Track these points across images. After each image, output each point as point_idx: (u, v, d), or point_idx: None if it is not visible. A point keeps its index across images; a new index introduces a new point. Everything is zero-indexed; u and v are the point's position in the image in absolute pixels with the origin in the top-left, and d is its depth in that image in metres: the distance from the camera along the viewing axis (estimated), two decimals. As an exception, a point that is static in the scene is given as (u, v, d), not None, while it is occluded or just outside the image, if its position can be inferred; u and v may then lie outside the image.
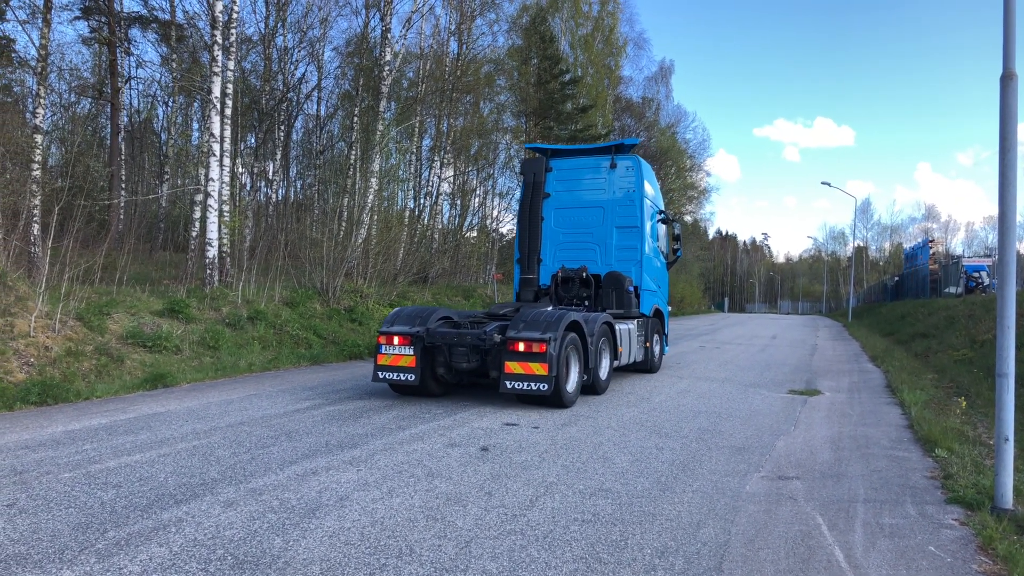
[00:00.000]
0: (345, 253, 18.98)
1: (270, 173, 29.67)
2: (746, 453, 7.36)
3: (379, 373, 9.73)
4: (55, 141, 26.23)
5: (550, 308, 11.00)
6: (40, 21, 19.40)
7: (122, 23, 27.01)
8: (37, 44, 19.29)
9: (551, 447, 7.30)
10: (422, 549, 4.41)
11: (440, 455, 6.75)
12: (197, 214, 18.50)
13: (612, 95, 45.91)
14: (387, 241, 21.85)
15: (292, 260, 20.32)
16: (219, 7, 16.87)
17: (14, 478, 5.73)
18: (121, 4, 27.54)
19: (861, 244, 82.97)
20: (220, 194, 16.81)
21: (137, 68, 29.30)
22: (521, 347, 9.01)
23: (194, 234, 18.33)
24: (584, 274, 12.86)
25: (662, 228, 14.63)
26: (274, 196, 29.86)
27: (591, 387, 10.45)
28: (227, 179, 17.49)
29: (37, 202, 16.30)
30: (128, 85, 29.72)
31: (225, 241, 17.29)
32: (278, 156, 29.62)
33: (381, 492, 5.57)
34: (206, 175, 16.93)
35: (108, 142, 26.80)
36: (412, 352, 9.62)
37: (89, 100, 29.10)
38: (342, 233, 21.00)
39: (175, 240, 25.90)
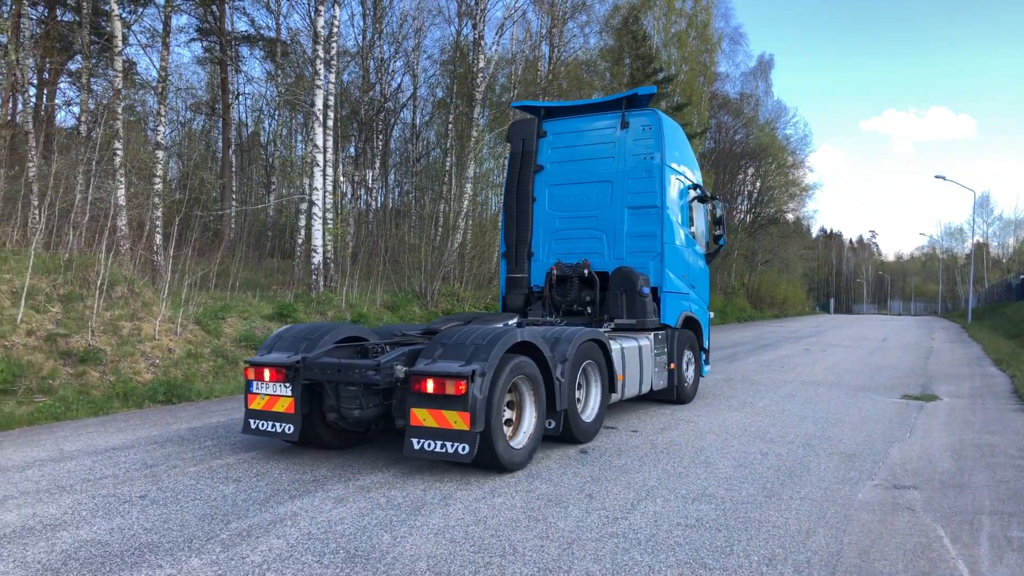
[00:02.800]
0: (442, 258, 19.38)
1: (369, 181, 30.63)
2: (857, 460, 7.05)
3: (250, 421, 6.65)
4: (173, 156, 27.97)
5: (511, 322, 8.21)
6: (159, 45, 20.76)
7: (232, 43, 28.53)
8: (157, 66, 20.66)
9: (651, 451, 7.23)
10: (525, 549, 4.46)
11: (539, 457, 6.80)
12: (302, 222, 19.31)
13: (707, 92, 44.91)
14: (482, 245, 22.17)
15: (392, 265, 20.92)
16: (320, 23, 17.58)
17: (145, 471, 6.16)
18: (232, 24, 29.12)
19: (981, 240, 77.85)
20: (324, 202, 17.50)
21: (246, 84, 30.92)
22: (430, 386, 5.76)
23: (299, 241, 19.14)
24: (586, 271, 9.68)
25: (697, 209, 10.87)
26: (373, 203, 30.79)
27: (565, 435, 7.13)
28: (330, 188, 18.19)
29: (159, 214, 17.43)
30: (237, 101, 31.38)
31: (329, 247, 17.98)
32: (377, 164, 30.53)
33: (483, 491, 5.67)
34: (310, 184, 17.66)
35: (220, 155, 28.39)
36: (290, 392, 6.44)
37: (203, 116, 30.91)
38: (439, 238, 21.47)
39: (282, 247, 27.11)
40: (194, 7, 25.38)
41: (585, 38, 33.14)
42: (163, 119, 19.76)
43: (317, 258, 17.11)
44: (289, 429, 6.44)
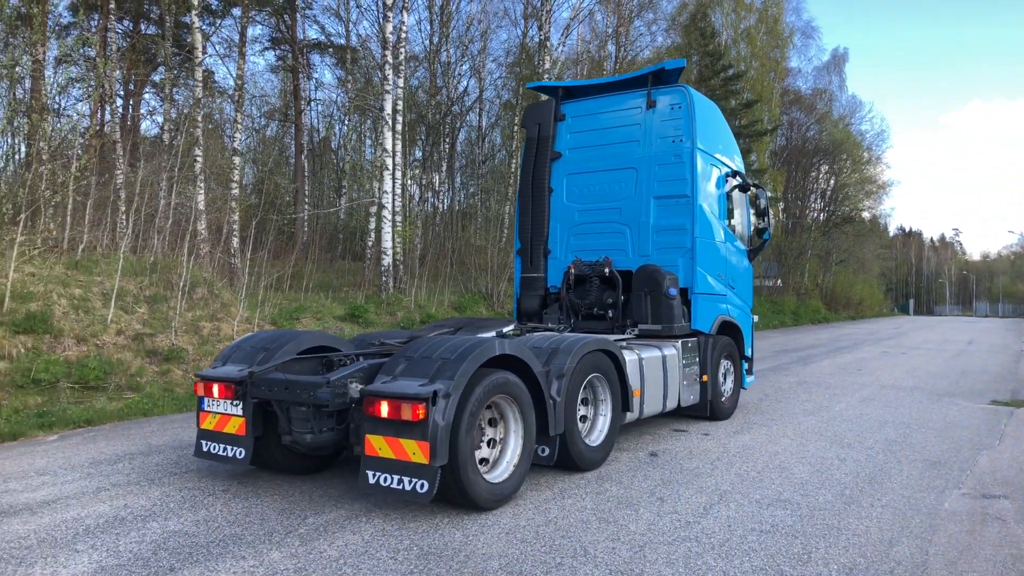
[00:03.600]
0: (508, 259, 19.46)
1: (436, 184, 31.03)
2: (942, 468, 6.76)
3: (202, 443, 5.81)
4: (249, 162, 28.93)
5: (507, 329, 7.64)
6: (236, 54, 21.53)
7: (304, 50, 29.33)
8: (234, 75, 21.41)
9: (723, 455, 7.10)
10: (596, 551, 4.45)
11: (609, 459, 6.76)
12: (372, 225, 19.70)
13: (779, 88, 43.80)
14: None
15: (458, 266, 21.14)
16: (389, 28, 17.91)
17: (226, 467, 6.38)
18: (303, 32, 29.93)
19: (1075, 237, 73.47)
20: (393, 205, 17.82)
21: (316, 90, 31.71)
22: (384, 409, 4.80)
23: (370, 243, 19.55)
24: (606, 270, 8.61)
25: (739, 200, 9.63)
26: (440, 206, 31.18)
27: (563, 462, 6.10)
28: (399, 191, 18.52)
29: (236, 218, 18.06)
30: (309, 107, 32.23)
31: (398, 249, 18.30)
32: (443, 167, 30.90)
33: (553, 493, 5.67)
34: (380, 188, 18.01)
35: (292, 160, 29.20)
36: (240, 412, 5.59)
37: (276, 123, 31.87)
38: (504, 239, 21.55)
39: (353, 249, 27.72)
40: (267, 17, 26.22)
41: (652, 36, 32.83)
42: (239, 126, 20.46)
43: (387, 260, 17.44)
44: (240, 453, 5.58)
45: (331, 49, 30.97)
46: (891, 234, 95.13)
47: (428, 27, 30.93)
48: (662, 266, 8.32)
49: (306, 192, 28.35)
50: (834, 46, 54.60)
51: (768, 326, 31.49)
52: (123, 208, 14.90)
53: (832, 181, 52.09)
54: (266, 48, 30.01)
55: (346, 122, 34.42)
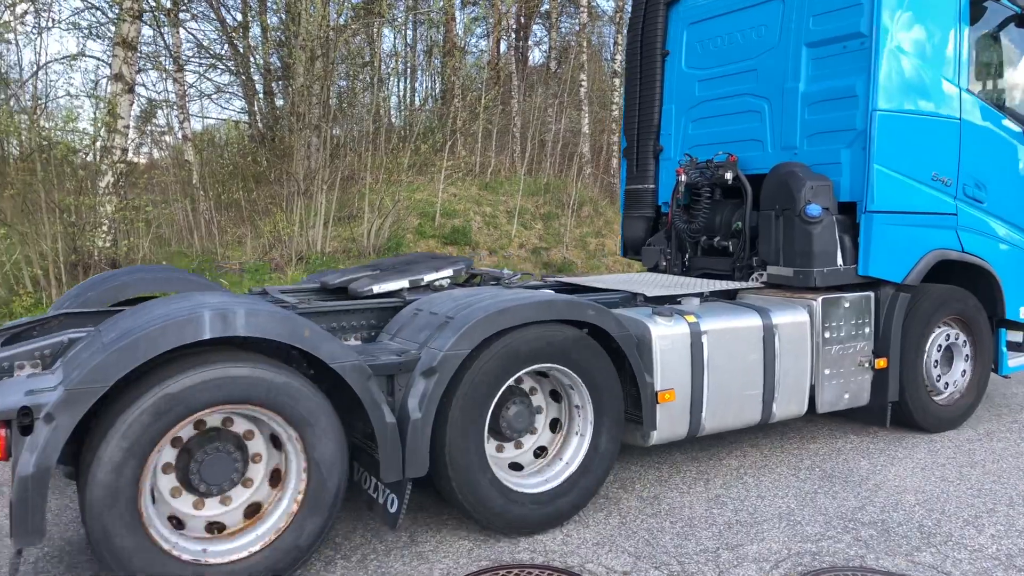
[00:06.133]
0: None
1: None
2: None
3: None
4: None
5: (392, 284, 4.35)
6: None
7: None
8: (613, -2, 21.89)
9: None
10: (1038, 502, 3.93)
11: (1046, 404, 5.83)
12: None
13: None
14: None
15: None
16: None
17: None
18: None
19: None
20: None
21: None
22: None
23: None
24: (729, 174, 5.37)
25: (1014, 41, 5.65)
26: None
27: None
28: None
29: (616, 139, 18.80)
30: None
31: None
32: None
33: (977, 433, 5.11)
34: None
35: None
36: None
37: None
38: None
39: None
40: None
41: None
42: (620, 47, 21.00)
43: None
44: None
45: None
46: None
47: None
48: (814, 165, 5.04)
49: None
50: None
51: None
52: (518, 134, 16.48)
53: None
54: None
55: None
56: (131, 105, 9.78)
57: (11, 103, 9.88)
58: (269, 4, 14.29)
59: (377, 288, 4.17)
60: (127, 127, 9.48)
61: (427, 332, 3.43)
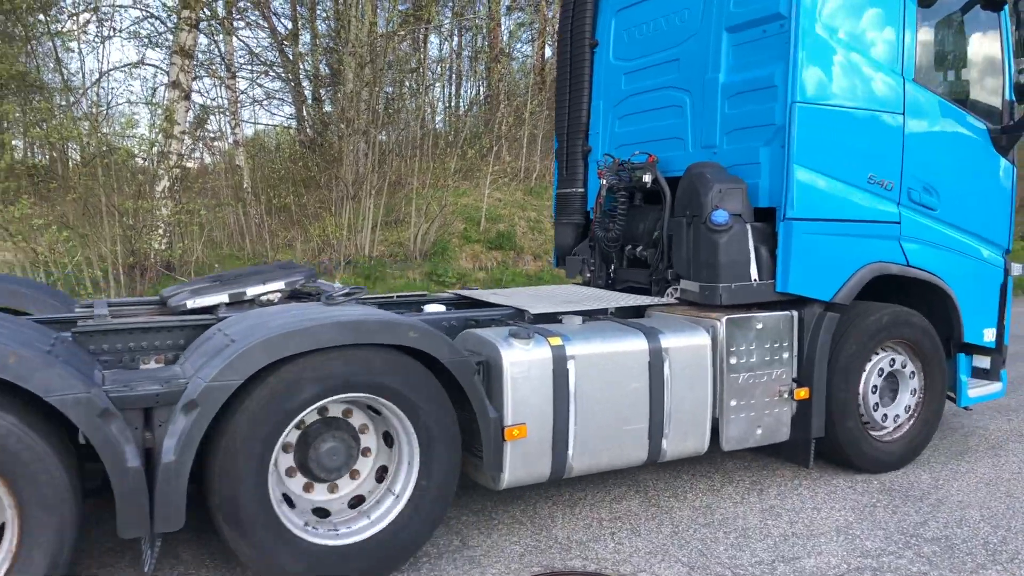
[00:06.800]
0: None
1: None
2: None
3: None
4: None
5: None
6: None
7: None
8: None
9: None
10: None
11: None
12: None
13: None
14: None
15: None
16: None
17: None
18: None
19: None
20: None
21: None
22: None
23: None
24: (646, 178, 4.59)
25: (974, 24, 4.88)
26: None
27: None
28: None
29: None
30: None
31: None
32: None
33: (1041, 448, 4.94)
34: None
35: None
36: None
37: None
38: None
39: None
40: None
41: None
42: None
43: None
44: None
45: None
46: None
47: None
48: (733, 165, 4.37)
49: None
50: None
51: None
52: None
53: None
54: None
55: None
56: (187, 111, 10.05)
57: (74, 110, 10.23)
58: (319, 11, 14.56)
59: (191, 303, 3.70)
60: (183, 133, 9.74)
61: (205, 358, 2.95)
